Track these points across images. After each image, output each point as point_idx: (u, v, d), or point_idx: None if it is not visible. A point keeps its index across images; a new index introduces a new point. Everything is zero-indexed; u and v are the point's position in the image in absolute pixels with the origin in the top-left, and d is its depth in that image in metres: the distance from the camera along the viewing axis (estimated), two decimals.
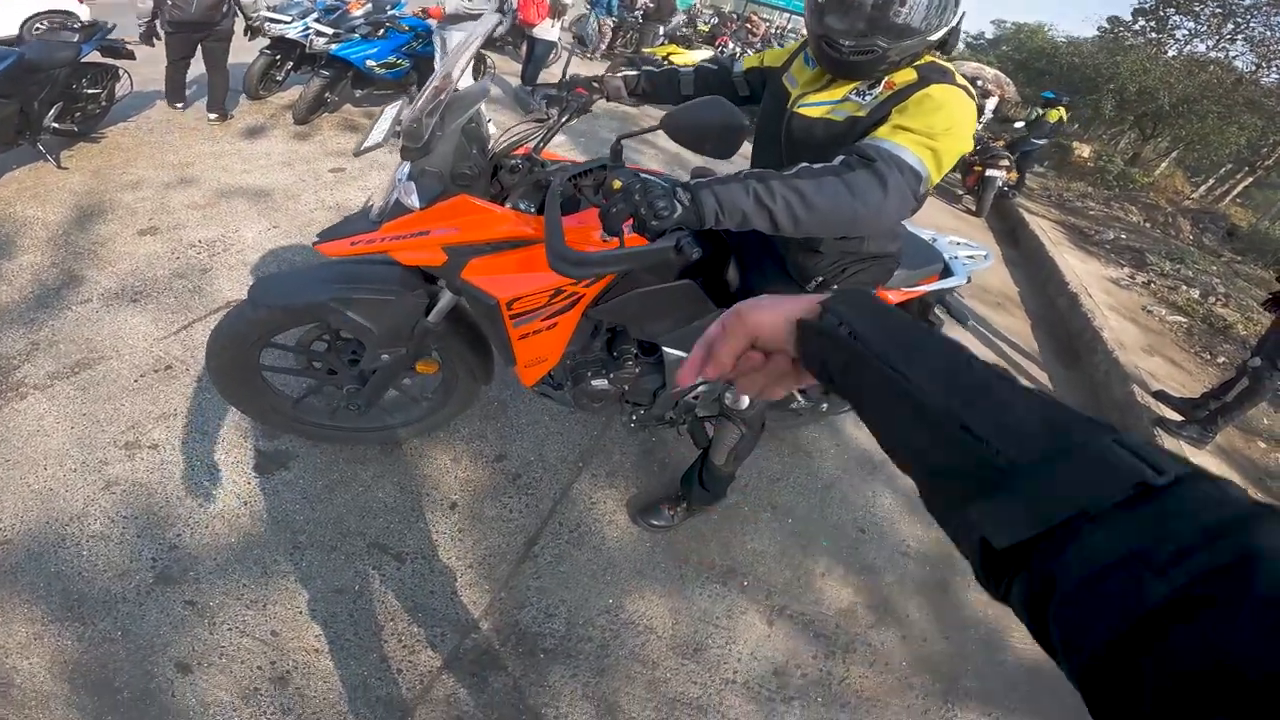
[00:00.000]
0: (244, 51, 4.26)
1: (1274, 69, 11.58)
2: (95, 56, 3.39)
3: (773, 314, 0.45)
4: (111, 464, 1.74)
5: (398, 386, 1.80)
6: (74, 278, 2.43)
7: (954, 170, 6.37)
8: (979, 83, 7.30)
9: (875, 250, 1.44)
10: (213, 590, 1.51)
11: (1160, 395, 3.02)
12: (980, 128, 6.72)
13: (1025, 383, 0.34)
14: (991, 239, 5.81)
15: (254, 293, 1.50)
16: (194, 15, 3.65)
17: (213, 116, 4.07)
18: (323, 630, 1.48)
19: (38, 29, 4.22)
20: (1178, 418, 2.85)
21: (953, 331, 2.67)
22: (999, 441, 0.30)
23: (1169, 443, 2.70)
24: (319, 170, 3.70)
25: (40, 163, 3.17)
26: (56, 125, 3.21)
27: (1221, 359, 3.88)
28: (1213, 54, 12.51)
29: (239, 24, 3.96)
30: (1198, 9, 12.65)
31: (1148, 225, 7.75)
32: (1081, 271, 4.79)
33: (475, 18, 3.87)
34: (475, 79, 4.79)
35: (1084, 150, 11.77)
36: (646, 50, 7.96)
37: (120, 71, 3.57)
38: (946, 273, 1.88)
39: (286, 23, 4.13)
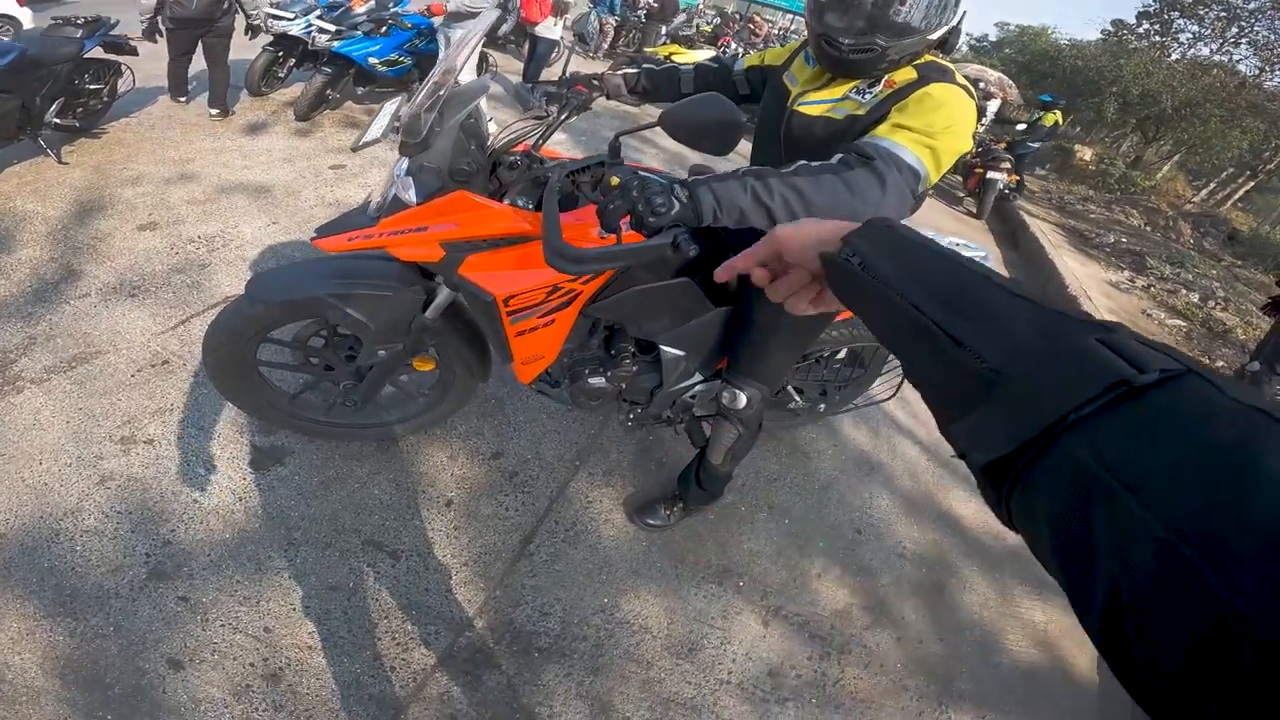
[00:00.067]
0: (245, 48, 4.26)
1: (1278, 72, 11.58)
2: (98, 52, 3.40)
3: (801, 236, 0.49)
4: (107, 459, 1.73)
5: (394, 383, 1.80)
6: (72, 272, 2.42)
7: (955, 172, 6.38)
8: (981, 85, 7.29)
9: None
10: (206, 586, 1.50)
11: None
12: (982, 129, 6.71)
13: (1029, 293, 0.32)
14: (992, 241, 5.80)
15: (251, 288, 1.50)
16: (194, 12, 3.66)
17: (214, 112, 4.07)
18: (316, 627, 1.48)
19: None
20: None
21: None
22: (986, 350, 0.30)
23: None
24: (319, 167, 3.70)
25: (41, 157, 3.18)
26: (58, 120, 3.21)
27: (1220, 363, 3.87)
28: (1216, 57, 12.53)
29: (239, 22, 3.96)
30: (1202, 12, 12.66)
31: (1148, 229, 7.75)
32: (1081, 274, 4.79)
33: (477, 15, 3.87)
34: (478, 76, 4.79)
35: (1086, 153, 11.77)
36: (649, 50, 7.96)
37: (123, 67, 3.57)
38: None
39: (290, 19, 4.13)
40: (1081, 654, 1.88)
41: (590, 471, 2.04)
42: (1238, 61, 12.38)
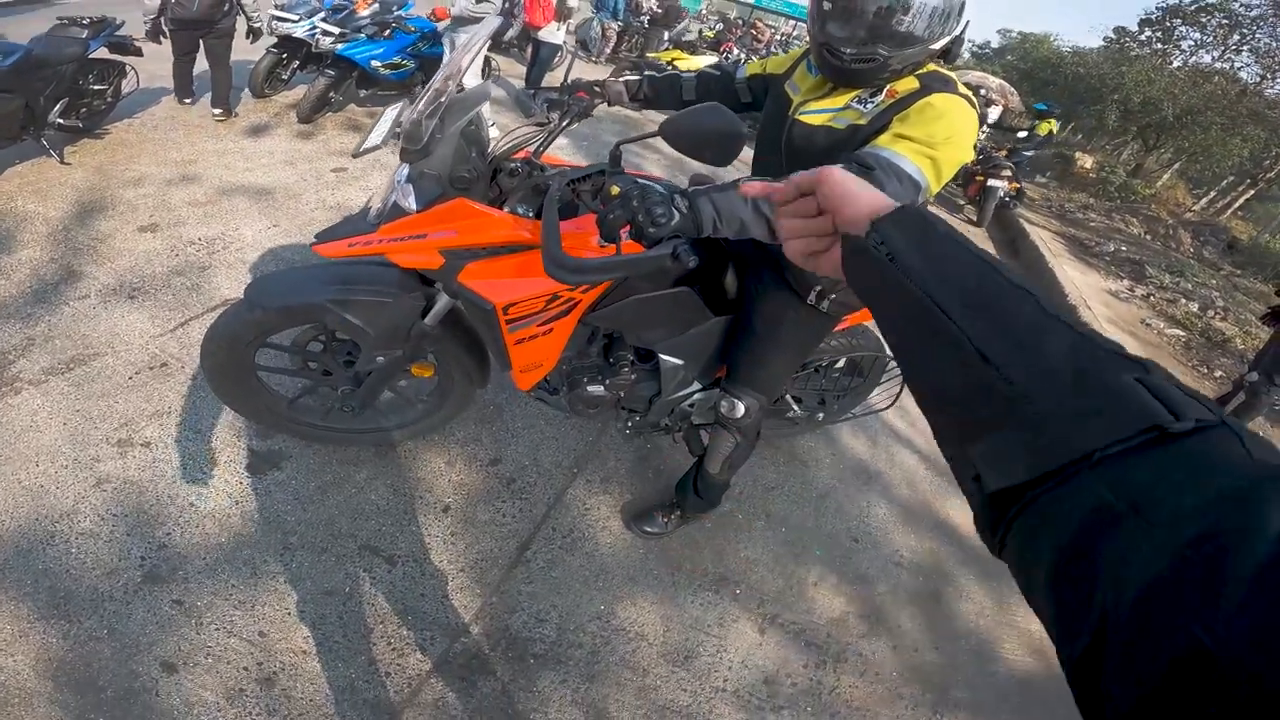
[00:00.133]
0: (248, 50, 4.27)
1: (1279, 80, 11.60)
2: (103, 52, 3.41)
3: (855, 194, 0.45)
4: (103, 461, 1.73)
5: (393, 389, 1.80)
6: (72, 273, 2.43)
7: (955, 180, 6.37)
8: (982, 91, 7.28)
9: None
10: (201, 590, 1.50)
11: None
12: (983, 137, 6.72)
13: (1061, 313, 0.31)
14: (992, 249, 5.81)
15: (251, 292, 1.50)
16: (195, 14, 3.69)
17: (216, 112, 4.09)
18: (311, 632, 1.48)
19: None
20: None
21: None
22: (1013, 369, 0.28)
23: None
24: (321, 170, 3.71)
25: (43, 158, 3.18)
26: (61, 121, 3.22)
27: (1219, 373, 3.88)
28: (1218, 65, 12.55)
29: (241, 24, 3.98)
30: (1204, 20, 12.69)
31: (1148, 237, 7.76)
32: (1081, 283, 4.79)
33: (481, 20, 3.88)
34: (482, 80, 4.81)
35: (1086, 161, 11.77)
36: (651, 55, 7.98)
37: (127, 68, 3.59)
38: None
39: (294, 21, 4.15)
40: None
41: (588, 478, 2.04)
42: (1239, 69, 12.44)
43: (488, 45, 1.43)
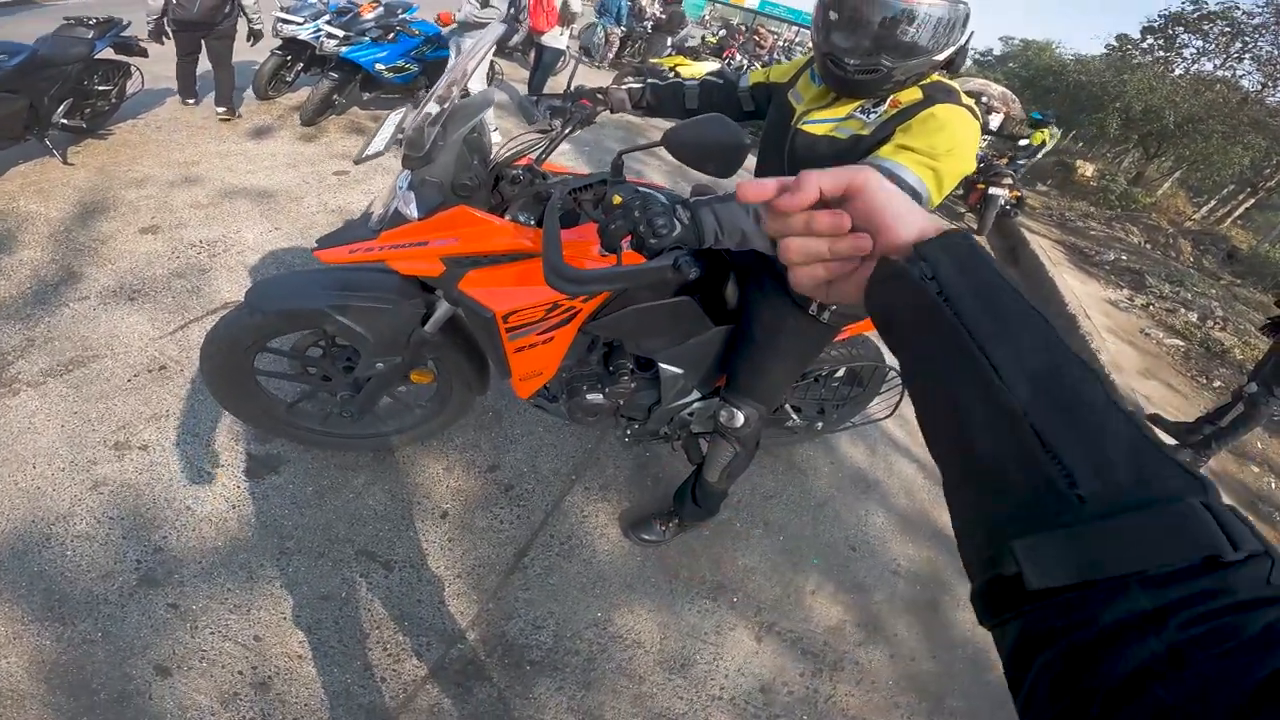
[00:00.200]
0: (249, 52, 4.28)
1: None
2: (109, 53, 3.42)
3: (900, 208, 0.36)
4: (100, 464, 1.73)
5: (392, 394, 1.80)
6: (73, 274, 2.43)
7: (956, 188, 6.38)
8: (984, 99, 7.29)
9: None
10: (196, 594, 1.50)
11: (1155, 419, 3.02)
12: (984, 145, 6.72)
13: (1120, 400, 0.30)
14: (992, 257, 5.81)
15: (251, 297, 1.50)
16: (196, 15, 3.71)
17: (220, 110, 4.12)
18: (307, 636, 1.47)
19: None
20: (1172, 441, 2.84)
21: None
22: (1075, 465, 0.26)
23: None
24: (323, 173, 3.71)
25: (46, 158, 3.19)
26: (65, 121, 3.22)
27: (1218, 383, 3.87)
28: (1219, 72, 12.57)
29: (242, 26, 4.00)
30: (1206, 27, 12.70)
31: (1148, 246, 7.77)
32: (1081, 293, 4.79)
33: (485, 25, 3.90)
34: (487, 85, 4.82)
35: (1087, 169, 11.79)
36: (653, 61, 8.01)
37: (132, 69, 3.60)
38: None
39: (299, 24, 4.16)
40: None
41: (586, 486, 2.04)
42: (1240, 77, 12.45)
43: (493, 51, 1.44)
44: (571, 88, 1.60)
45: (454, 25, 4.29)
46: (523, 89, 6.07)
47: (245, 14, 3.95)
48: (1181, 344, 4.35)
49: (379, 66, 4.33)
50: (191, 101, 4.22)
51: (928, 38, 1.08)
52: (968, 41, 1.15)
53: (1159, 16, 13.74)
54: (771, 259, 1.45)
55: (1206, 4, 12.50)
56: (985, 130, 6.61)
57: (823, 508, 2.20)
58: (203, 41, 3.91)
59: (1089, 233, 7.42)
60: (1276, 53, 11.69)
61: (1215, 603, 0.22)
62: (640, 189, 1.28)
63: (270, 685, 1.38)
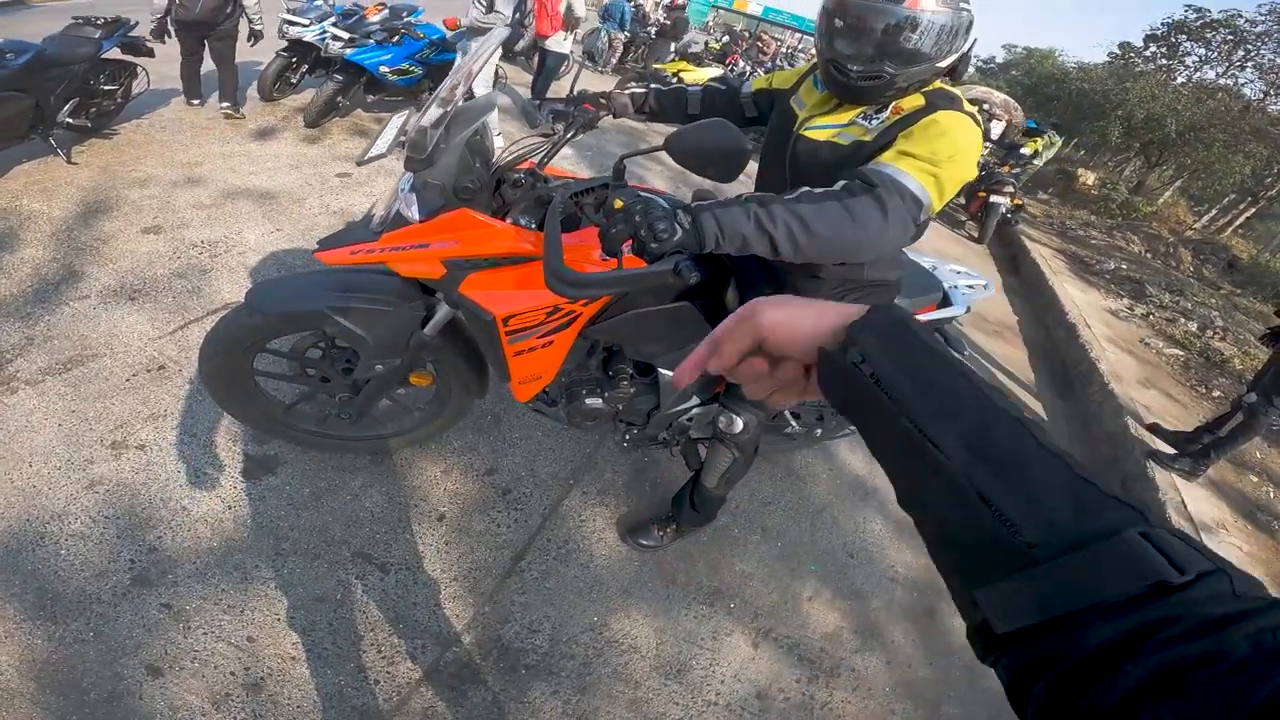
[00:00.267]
0: (250, 53, 4.30)
1: None
2: (115, 53, 3.43)
3: (791, 323, 0.41)
4: (97, 463, 1.73)
5: (391, 397, 1.80)
6: (74, 273, 2.43)
7: (957, 196, 6.39)
8: (986, 106, 7.30)
9: (876, 277, 1.44)
10: (190, 594, 1.50)
11: (1154, 428, 3.02)
12: (986, 153, 6.73)
13: (1059, 445, 0.31)
14: (993, 266, 5.82)
15: (251, 298, 1.50)
16: (198, 15, 3.74)
17: (224, 105, 4.16)
18: (300, 638, 1.47)
19: None
20: (1171, 450, 2.84)
21: None
22: (1021, 519, 0.28)
23: (1161, 476, 2.69)
24: (326, 175, 3.72)
25: (50, 157, 3.20)
26: (70, 120, 3.24)
27: (1217, 393, 3.87)
28: (1222, 81, 12.59)
29: (244, 27, 4.02)
30: (1209, 35, 12.74)
31: (1149, 255, 7.77)
32: (1081, 302, 4.80)
33: (487, 31, 3.91)
34: (493, 88, 4.83)
35: (1089, 177, 11.80)
36: (657, 66, 8.04)
37: (138, 69, 3.61)
38: (946, 302, 1.88)
39: (305, 25, 4.19)
40: None
41: (584, 490, 2.03)
42: (1242, 85, 12.47)
43: (498, 54, 1.44)
44: (574, 92, 1.60)
45: (460, 30, 4.31)
46: (526, 93, 6.09)
47: (246, 14, 3.98)
48: (1181, 353, 4.34)
49: (383, 69, 4.36)
50: (196, 102, 4.24)
51: (930, 45, 1.09)
52: (970, 48, 1.15)
53: (1162, 24, 13.79)
54: (772, 264, 1.46)
55: (1209, 12, 12.55)
56: (986, 138, 6.62)
57: (821, 514, 2.20)
58: (205, 42, 3.94)
59: (1090, 241, 7.43)
60: (1279, 61, 11.73)
61: (1183, 625, 0.24)
62: (641, 193, 1.29)
63: (263, 686, 1.37)
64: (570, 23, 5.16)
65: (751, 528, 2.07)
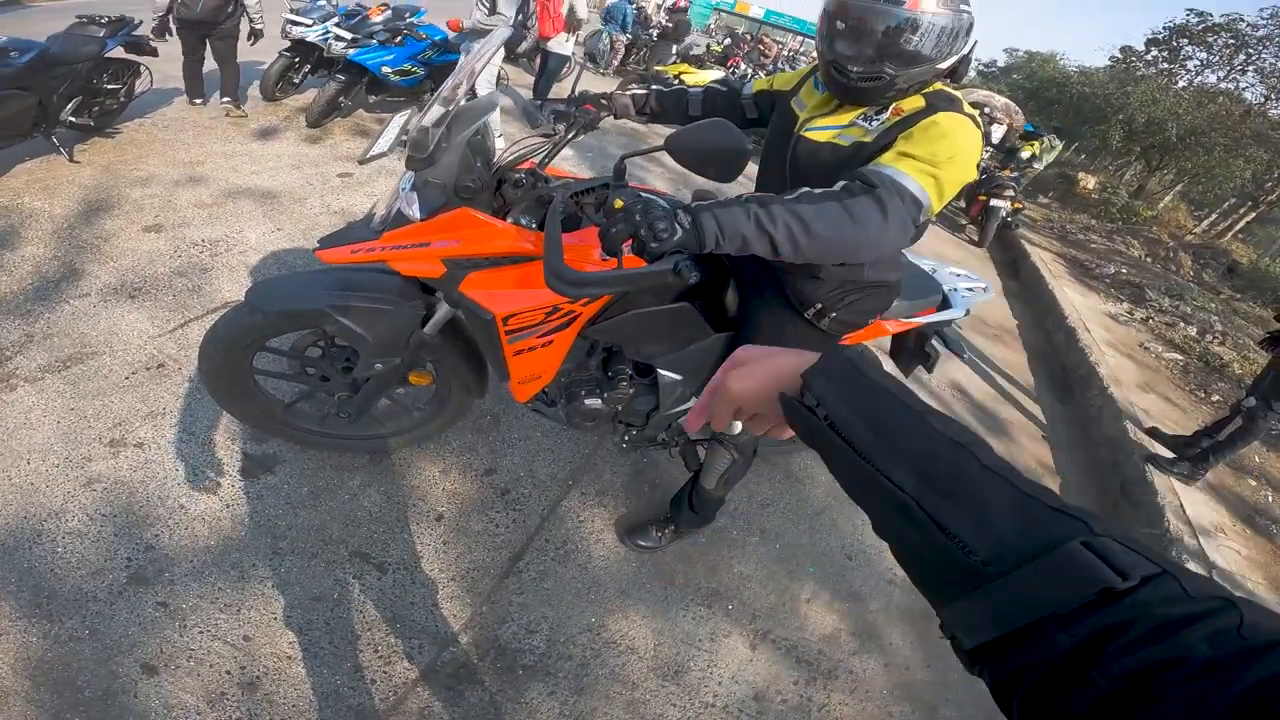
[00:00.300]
0: (250, 52, 4.31)
1: None
2: (119, 52, 3.44)
3: (758, 386, 0.46)
4: (95, 461, 1.73)
5: (390, 396, 1.80)
6: (74, 271, 2.44)
7: (958, 199, 6.40)
8: (987, 110, 7.31)
9: (876, 278, 1.44)
10: (186, 592, 1.49)
11: (1153, 432, 3.02)
12: (986, 156, 6.74)
13: (1003, 463, 0.33)
14: (993, 269, 5.83)
15: (251, 296, 1.50)
16: (199, 14, 3.76)
17: (226, 100, 4.18)
18: (297, 637, 1.46)
19: None
20: (1170, 454, 2.84)
21: (949, 364, 2.67)
22: (972, 540, 0.30)
23: (1159, 479, 2.69)
24: (327, 174, 3.73)
25: (53, 155, 3.21)
26: (73, 119, 3.25)
27: (1216, 397, 3.87)
28: (1223, 85, 12.59)
29: (244, 26, 4.03)
30: (1210, 39, 12.74)
31: (1149, 260, 7.77)
32: (1081, 306, 4.80)
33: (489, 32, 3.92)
34: (495, 88, 4.84)
35: (1089, 181, 11.82)
36: (658, 69, 8.06)
37: (141, 68, 3.62)
38: (945, 304, 1.88)
39: (308, 25, 4.20)
40: None
41: (583, 491, 2.03)
42: (1244, 89, 12.46)
43: (501, 55, 1.44)
44: (576, 93, 1.60)
45: (463, 32, 4.32)
46: (528, 94, 6.10)
47: (247, 14, 3.99)
48: (1180, 358, 4.35)
49: (385, 69, 4.37)
50: (199, 101, 4.25)
51: (931, 46, 1.09)
52: (971, 51, 1.15)
53: (1163, 28, 13.81)
54: (772, 265, 1.46)
55: (1211, 15, 12.57)
56: (987, 142, 6.63)
57: (819, 516, 2.19)
58: (206, 41, 3.95)
59: (1090, 246, 7.43)
60: None
61: (1138, 629, 0.25)
62: (642, 193, 1.29)
63: (258, 685, 1.37)
64: (572, 24, 5.17)
65: (750, 529, 2.07)
